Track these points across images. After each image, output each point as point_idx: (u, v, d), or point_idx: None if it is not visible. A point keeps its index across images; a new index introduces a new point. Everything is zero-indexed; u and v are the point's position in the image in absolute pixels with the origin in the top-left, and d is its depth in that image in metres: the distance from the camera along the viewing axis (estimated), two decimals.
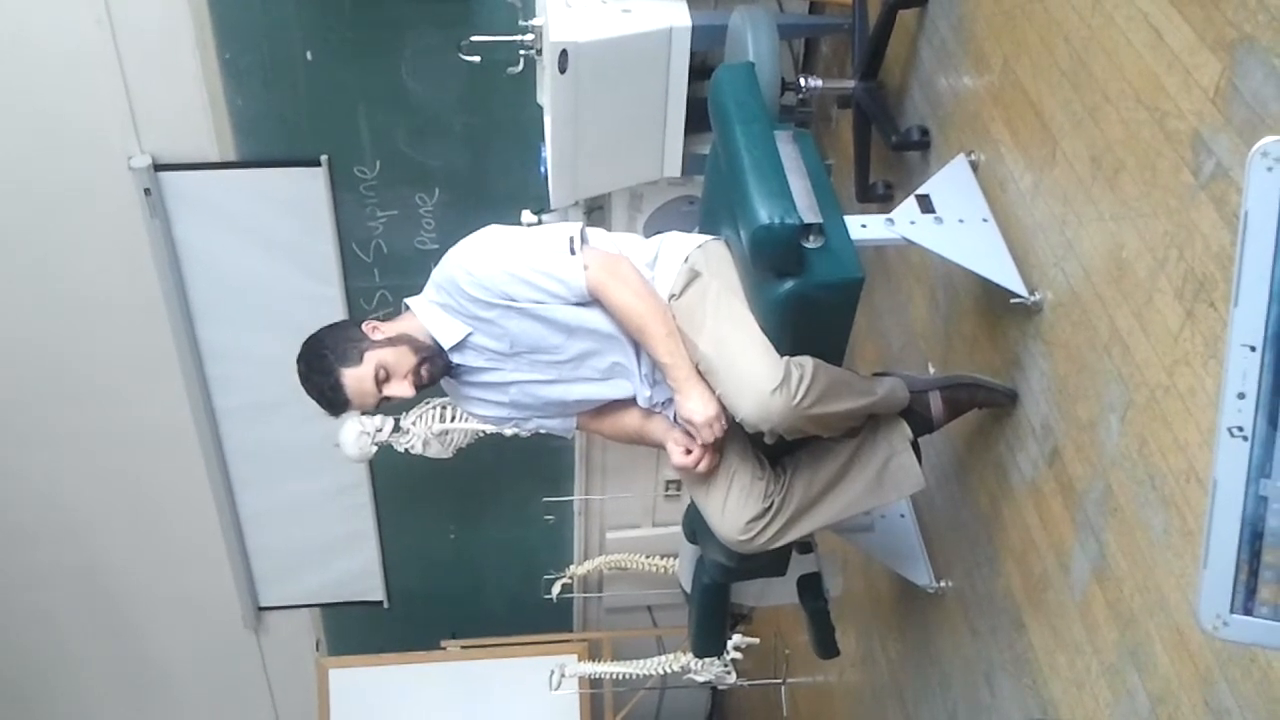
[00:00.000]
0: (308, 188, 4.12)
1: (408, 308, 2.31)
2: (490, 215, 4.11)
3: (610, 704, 5.48)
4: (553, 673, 5.04)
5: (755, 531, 2.30)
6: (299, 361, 2.27)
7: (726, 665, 4.61)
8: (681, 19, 3.16)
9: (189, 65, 3.82)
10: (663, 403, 2.34)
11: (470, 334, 2.26)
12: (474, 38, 3.42)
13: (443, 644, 5.42)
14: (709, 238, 2.36)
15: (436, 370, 2.27)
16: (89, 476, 4.90)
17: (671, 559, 4.82)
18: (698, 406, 2.17)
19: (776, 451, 2.35)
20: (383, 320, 2.29)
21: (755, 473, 2.32)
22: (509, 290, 2.20)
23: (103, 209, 4.09)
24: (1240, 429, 1.20)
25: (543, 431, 2.49)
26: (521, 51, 3.34)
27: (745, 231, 2.11)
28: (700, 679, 4.69)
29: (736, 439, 2.30)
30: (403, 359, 2.22)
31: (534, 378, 2.33)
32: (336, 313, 4.35)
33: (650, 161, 3.37)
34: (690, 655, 4.56)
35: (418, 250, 4.31)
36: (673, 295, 2.24)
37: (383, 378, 2.21)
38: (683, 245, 2.33)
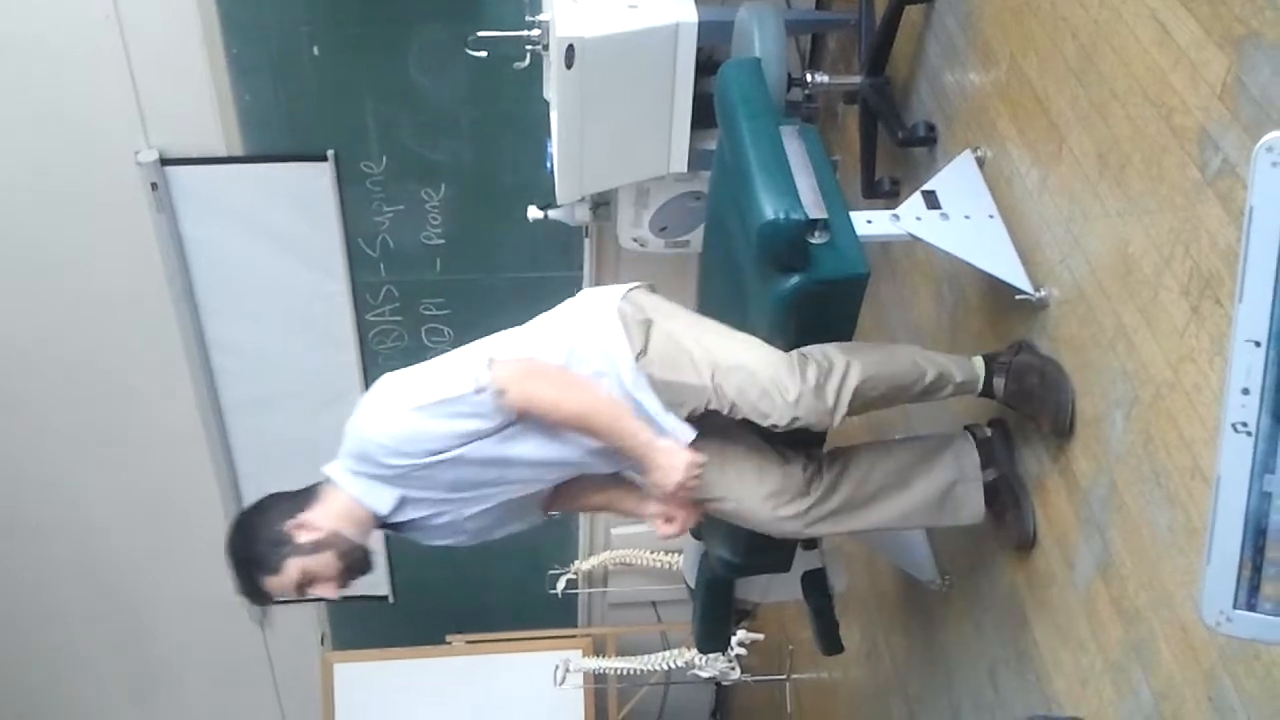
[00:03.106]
0: (314, 183, 4.12)
1: (329, 479, 2.17)
2: (496, 210, 4.16)
3: (615, 699, 5.48)
4: (557, 668, 5.05)
5: (790, 515, 2.28)
6: (227, 551, 2.26)
7: (731, 661, 4.61)
8: (688, 14, 3.15)
9: (196, 60, 3.82)
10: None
11: (402, 496, 2.12)
12: (481, 33, 3.42)
13: (448, 639, 5.42)
14: (620, 290, 2.24)
15: (364, 569, 2.19)
16: (94, 471, 4.91)
17: (676, 554, 4.82)
18: (666, 472, 2.08)
19: (810, 442, 2.34)
20: (306, 507, 2.16)
21: (779, 462, 2.30)
22: (427, 445, 2.05)
23: (109, 204, 4.10)
24: (1244, 425, 1.20)
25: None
26: (528, 47, 3.34)
27: (751, 227, 2.12)
28: (704, 675, 4.70)
29: (743, 438, 2.29)
30: (327, 567, 2.13)
31: (486, 506, 2.22)
32: (343, 307, 4.36)
33: (657, 157, 3.37)
34: (695, 651, 4.57)
35: (424, 245, 4.31)
36: (640, 353, 2.13)
37: (307, 582, 2.13)
38: (605, 308, 2.19)
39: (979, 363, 2.34)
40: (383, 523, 2.17)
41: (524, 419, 2.07)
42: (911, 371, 2.27)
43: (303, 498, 2.18)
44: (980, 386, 2.32)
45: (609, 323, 2.16)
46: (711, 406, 2.14)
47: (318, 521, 2.13)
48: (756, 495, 2.27)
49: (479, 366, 2.06)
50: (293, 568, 2.12)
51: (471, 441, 2.06)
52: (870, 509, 2.34)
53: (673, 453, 2.08)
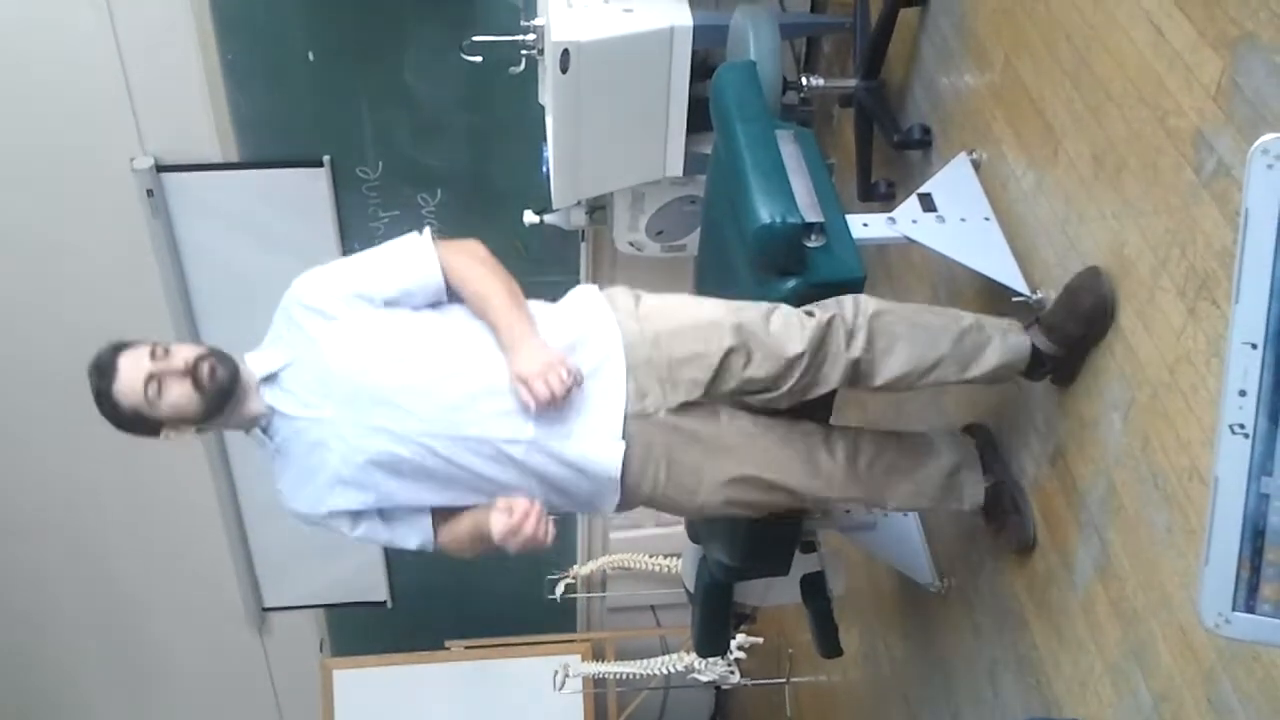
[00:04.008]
0: (310, 188, 4.12)
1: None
2: (492, 214, 4.16)
3: (614, 704, 5.48)
4: (556, 673, 5.04)
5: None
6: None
7: (730, 665, 4.61)
8: (683, 18, 3.15)
9: (191, 66, 3.82)
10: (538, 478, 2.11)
11: (289, 364, 2.10)
12: (476, 38, 3.42)
13: (446, 644, 5.42)
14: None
15: (224, 373, 2.06)
16: (91, 478, 4.90)
17: (675, 559, 4.82)
18: (529, 358, 2.00)
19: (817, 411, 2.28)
20: None
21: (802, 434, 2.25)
22: (360, 286, 2.10)
23: (105, 210, 4.09)
24: (1242, 426, 1.20)
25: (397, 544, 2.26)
26: (523, 51, 3.34)
27: (747, 230, 2.12)
28: (704, 679, 4.69)
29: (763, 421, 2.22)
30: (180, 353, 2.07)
31: (372, 437, 2.06)
32: None
33: (652, 161, 3.37)
34: (694, 655, 4.56)
35: None
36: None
37: (154, 391, 2.04)
38: (590, 294, 2.22)
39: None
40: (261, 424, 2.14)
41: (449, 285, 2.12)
42: (940, 319, 2.19)
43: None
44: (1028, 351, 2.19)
45: (594, 305, 2.17)
46: (721, 363, 2.07)
47: None
48: (803, 469, 2.21)
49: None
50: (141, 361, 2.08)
51: (401, 301, 2.11)
52: (885, 484, 2.30)
53: (543, 351, 2.01)
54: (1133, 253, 1.99)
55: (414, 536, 2.19)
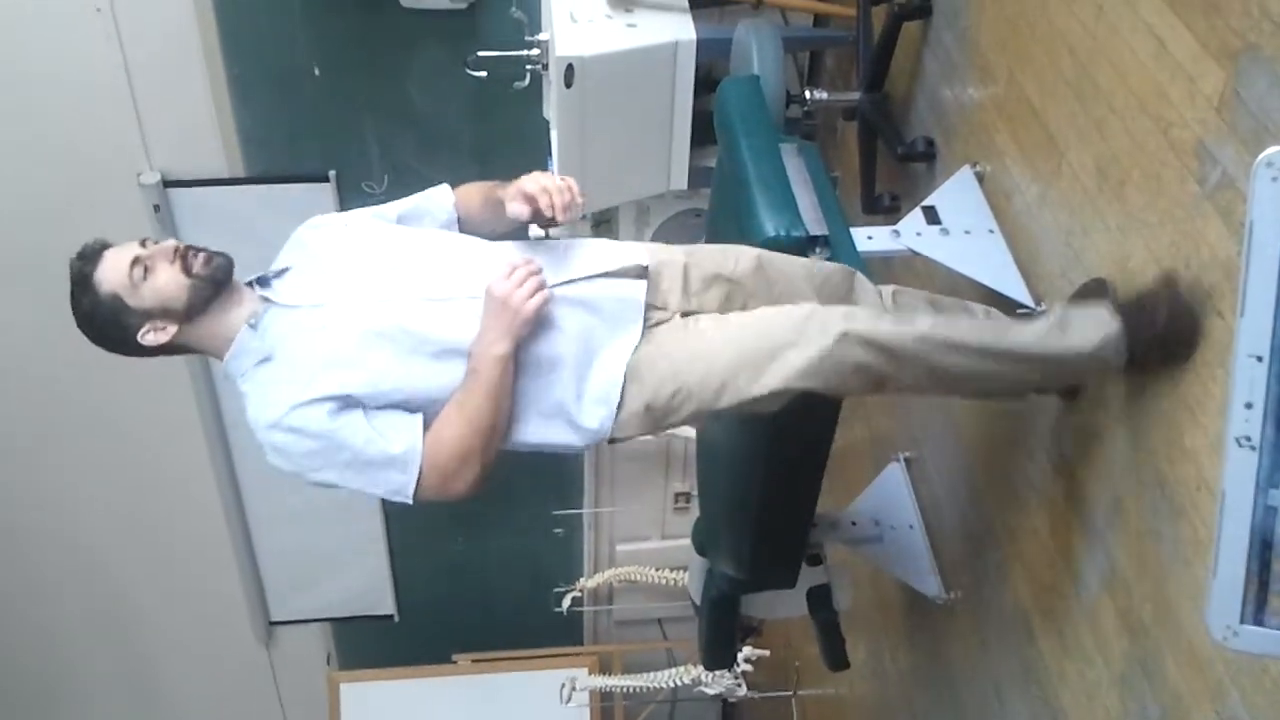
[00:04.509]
0: (316, 203, 4.12)
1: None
2: None
3: (621, 717, 5.47)
4: (563, 686, 5.03)
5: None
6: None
7: (737, 677, 4.59)
8: (687, 32, 3.16)
9: (197, 81, 3.83)
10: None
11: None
12: (481, 53, 3.43)
13: (453, 657, 5.41)
14: None
15: (219, 261, 1.99)
16: (98, 492, 4.91)
17: (681, 571, 4.81)
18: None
19: None
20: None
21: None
22: (375, 210, 2.14)
23: (112, 225, 4.02)
24: (1248, 438, 1.20)
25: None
26: (528, 66, 3.35)
27: (752, 243, 2.12)
28: (711, 692, 4.67)
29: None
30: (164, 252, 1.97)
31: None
32: None
33: (657, 174, 3.38)
34: (700, 668, 4.55)
35: None
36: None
37: (140, 274, 1.94)
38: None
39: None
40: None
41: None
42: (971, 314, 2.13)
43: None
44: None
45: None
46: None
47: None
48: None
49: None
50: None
51: (411, 218, 2.17)
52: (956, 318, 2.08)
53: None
54: (1137, 265, 1.99)
55: (399, 438, 1.90)
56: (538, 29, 3.38)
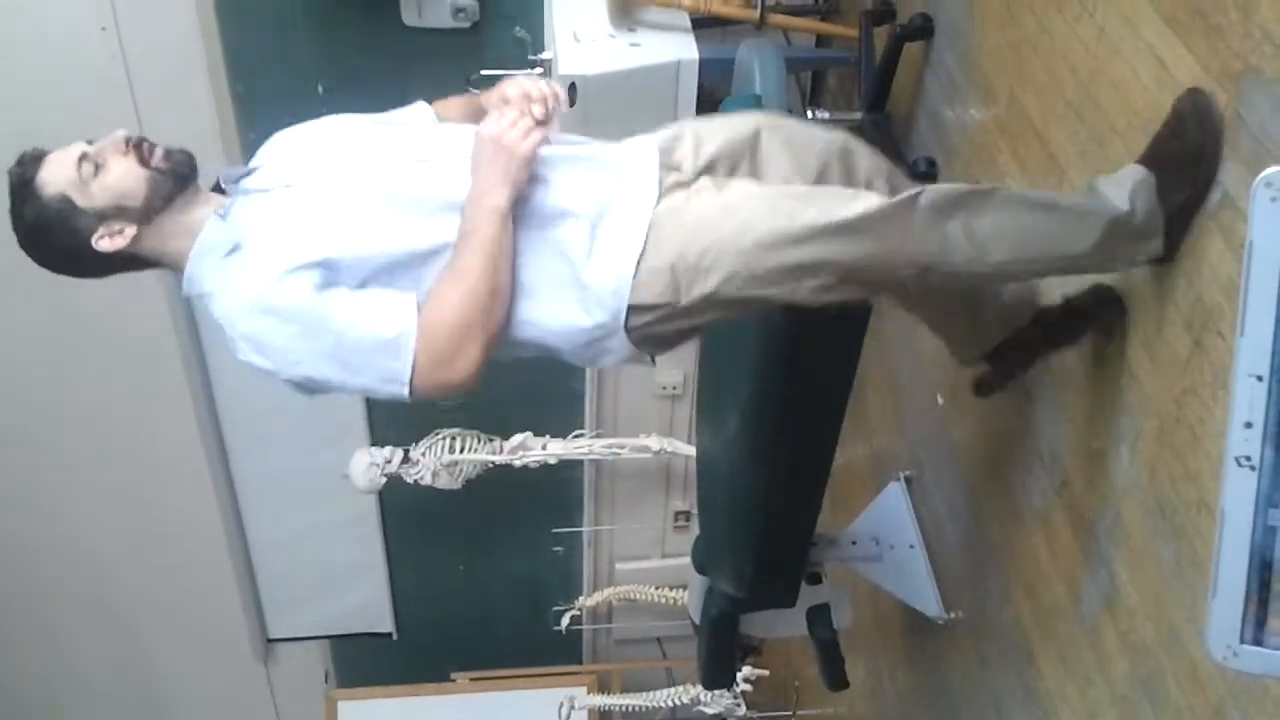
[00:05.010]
0: None
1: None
2: None
3: None
4: (562, 705, 5.01)
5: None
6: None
7: (736, 697, 4.59)
8: (689, 52, 3.18)
9: (202, 99, 3.84)
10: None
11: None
12: (484, 71, 3.44)
13: (452, 676, 5.39)
14: None
15: (179, 155, 1.85)
16: (99, 506, 4.91)
17: (681, 590, 4.80)
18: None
19: None
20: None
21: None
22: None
23: None
24: (1248, 459, 1.20)
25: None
26: None
27: None
28: (710, 711, 4.67)
29: None
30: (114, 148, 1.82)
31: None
32: None
33: None
34: (700, 687, 4.54)
35: None
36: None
37: (89, 170, 1.81)
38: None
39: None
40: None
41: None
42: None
43: None
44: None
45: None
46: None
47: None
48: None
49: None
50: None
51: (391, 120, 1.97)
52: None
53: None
54: (1138, 284, 1.99)
55: (390, 318, 1.69)
56: (541, 48, 3.40)
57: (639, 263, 1.74)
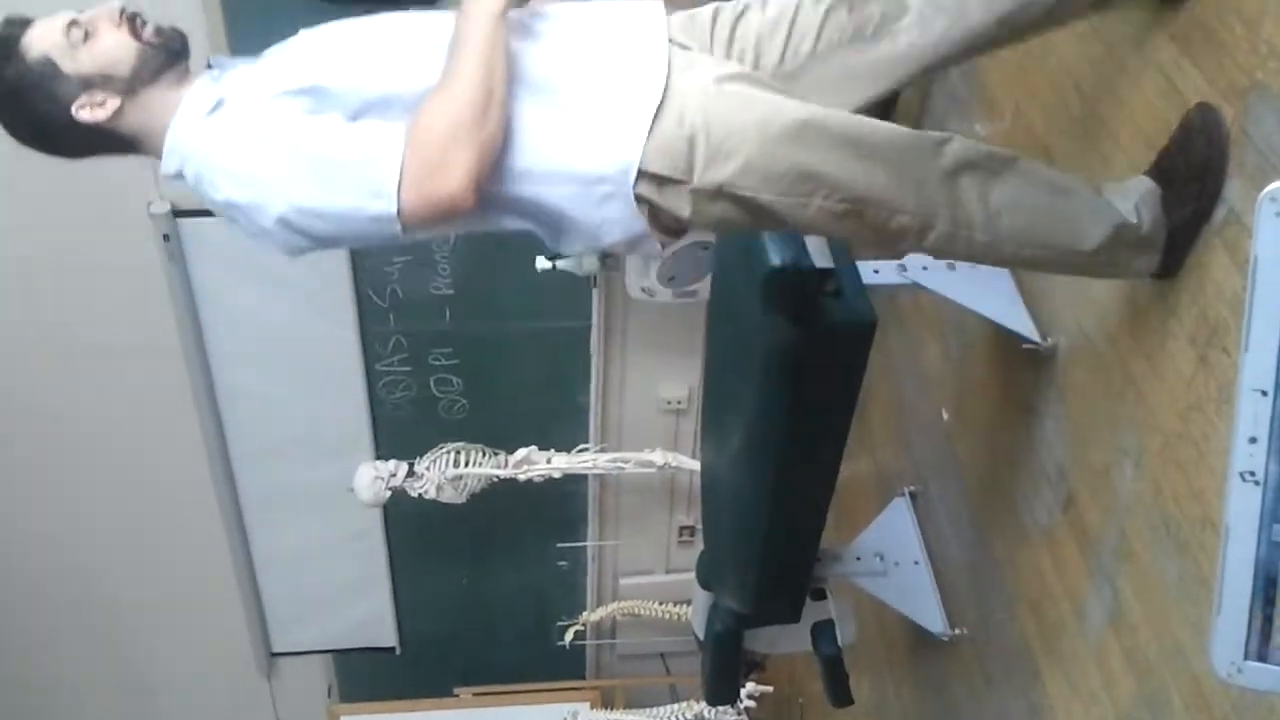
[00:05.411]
0: None
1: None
2: (505, 261, 4.18)
3: None
4: None
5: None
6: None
7: (740, 713, 4.57)
8: None
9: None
10: None
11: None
12: None
13: (455, 690, 5.39)
14: None
15: (171, 32, 1.75)
16: (102, 519, 4.91)
17: (685, 606, 4.79)
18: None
19: None
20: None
21: None
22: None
23: (122, 254, 4.12)
24: (1253, 474, 1.19)
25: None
26: None
27: (758, 276, 2.12)
28: None
29: None
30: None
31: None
32: (352, 357, 4.37)
33: None
34: (703, 703, 4.53)
35: (433, 295, 4.32)
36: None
37: (78, 35, 1.69)
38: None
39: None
40: None
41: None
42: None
43: None
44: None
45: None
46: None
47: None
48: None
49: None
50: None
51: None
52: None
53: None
54: (1143, 299, 1.99)
55: (378, 135, 1.62)
56: None
57: (654, 123, 1.67)
